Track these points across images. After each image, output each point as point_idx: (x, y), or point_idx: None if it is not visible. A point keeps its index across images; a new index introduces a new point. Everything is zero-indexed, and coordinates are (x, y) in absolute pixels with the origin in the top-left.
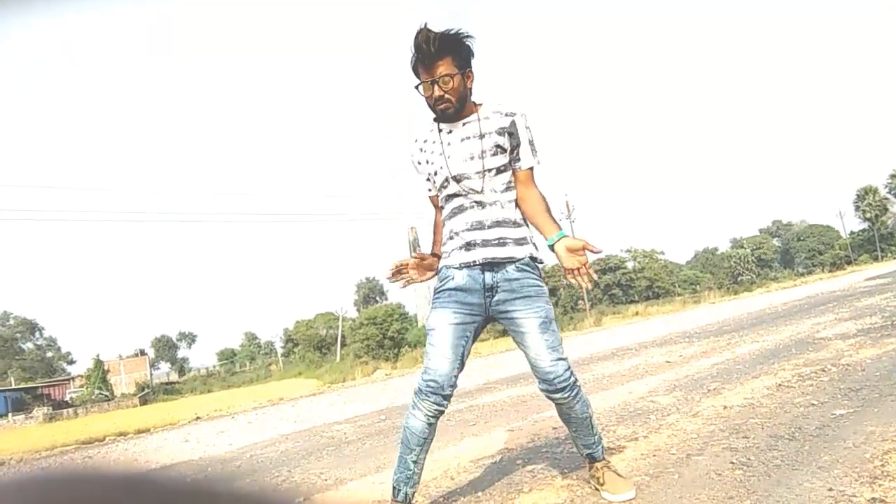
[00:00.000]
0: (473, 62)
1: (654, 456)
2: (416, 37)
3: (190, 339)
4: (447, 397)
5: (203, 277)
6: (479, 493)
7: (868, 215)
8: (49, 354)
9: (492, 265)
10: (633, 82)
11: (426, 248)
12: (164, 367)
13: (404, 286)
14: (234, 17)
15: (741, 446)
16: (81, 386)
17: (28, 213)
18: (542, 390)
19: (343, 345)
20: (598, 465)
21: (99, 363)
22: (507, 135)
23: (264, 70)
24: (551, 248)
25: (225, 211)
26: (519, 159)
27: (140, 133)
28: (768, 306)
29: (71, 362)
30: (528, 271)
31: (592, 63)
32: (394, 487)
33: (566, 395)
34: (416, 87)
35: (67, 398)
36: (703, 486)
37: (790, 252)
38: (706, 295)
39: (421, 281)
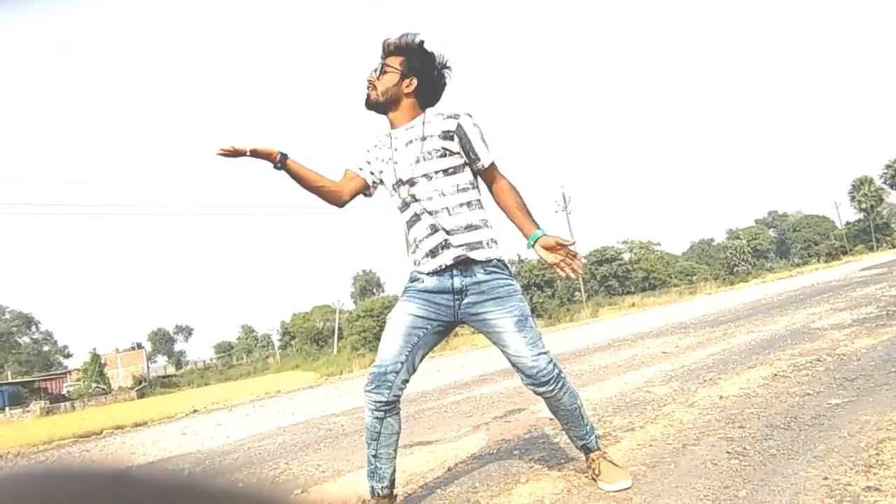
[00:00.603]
0: (425, 74)
1: (651, 446)
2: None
3: (187, 332)
4: (390, 387)
5: (200, 270)
6: (477, 484)
7: (863, 206)
8: (45, 348)
9: (460, 269)
10: (630, 74)
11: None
12: (161, 360)
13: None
14: (233, 8)
15: (737, 436)
16: (78, 380)
17: (24, 206)
18: (527, 386)
19: (340, 337)
20: (594, 455)
21: (95, 357)
22: (454, 138)
23: (263, 62)
24: (531, 247)
25: (221, 204)
26: (478, 159)
27: (136, 126)
28: (764, 297)
29: (67, 356)
30: (497, 272)
31: (588, 54)
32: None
33: (552, 388)
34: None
35: (64, 392)
36: (700, 476)
37: (786, 243)
38: (702, 286)
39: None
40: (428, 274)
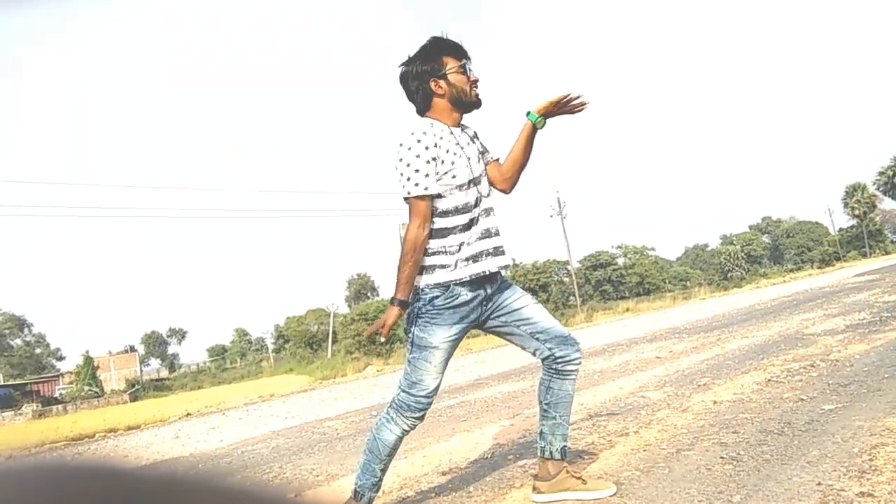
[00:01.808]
0: None
1: (645, 451)
2: (440, 38)
3: (180, 335)
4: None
5: (193, 273)
6: (471, 489)
7: (857, 212)
8: (38, 351)
9: (492, 276)
10: (624, 79)
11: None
12: (155, 363)
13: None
14: (225, 12)
15: (731, 441)
16: (71, 382)
17: (16, 208)
18: (560, 356)
19: (334, 341)
20: (568, 466)
21: (88, 359)
22: (478, 141)
23: (255, 67)
24: (535, 123)
25: (215, 207)
26: (487, 151)
27: (129, 128)
28: (758, 302)
29: (60, 359)
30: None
31: (582, 59)
32: (356, 491)
33: (580, 355)
34: (452, 73)
35: (57, 395)
36: (694, 481)
37: (779, 248)
38: (696, 291)
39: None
40: (468, 283)
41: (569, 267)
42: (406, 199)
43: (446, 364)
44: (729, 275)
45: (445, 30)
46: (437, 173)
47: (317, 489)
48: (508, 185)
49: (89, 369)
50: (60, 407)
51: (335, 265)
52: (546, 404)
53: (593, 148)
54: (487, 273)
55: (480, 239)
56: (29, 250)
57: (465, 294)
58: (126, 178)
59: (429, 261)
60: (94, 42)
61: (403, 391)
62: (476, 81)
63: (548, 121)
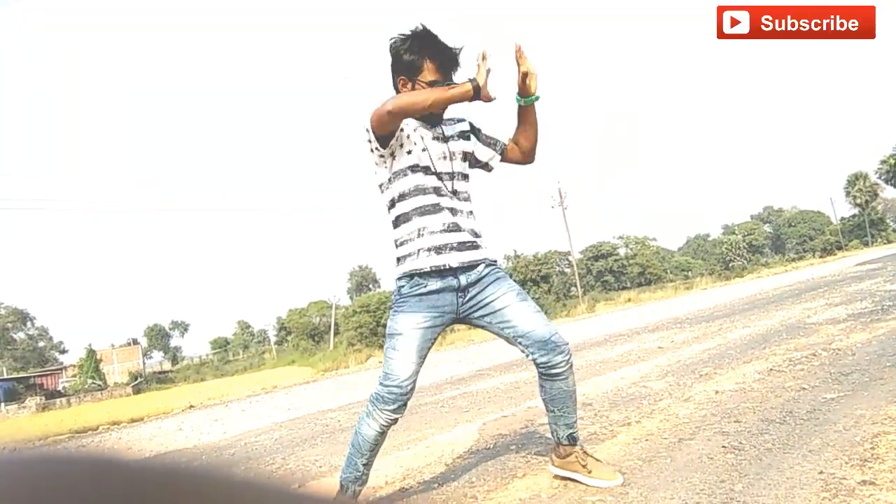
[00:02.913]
0: None
1: (647, 440)
2: (437, 38)
3: (182, 327)
4: (406, 404)
5: (196, 266)
6: (474, 479)
7: (858, 201)
8: (41, 344)
9: (465, 268)
10: (625, 70)
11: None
12: (157, 356)
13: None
14: (229, 10)
15: (733, 430)
16: (74, 375)
17: (19, 202)
18: (542, 362)
19: (336, 333)
20: (578, 450)
21: (91, 352)
22: (469, 137)
23: (258, 61)
24: (528, 102)
25: (217, 199)
26: (498, 140)
27: (132, 123)
28: (759, 292)
29: (63, 352)
30: (494, 265)
31: (584, 50)
32: (342, 484)
33: (567, 358)
34: (426, 83)
35: (60, 388)
36: (696, 470)
37: (781, 238)
38: (698, 281)
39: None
40: (429, 273)
41: (570, 258)
42: (368, 133)
43: (420, 356)
44: (730, 265)
45: (446, 28)
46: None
47: (320, 480)
48: (530, 157)
49: (92, 362)
50: (64, 400)
51: (337, 257)
52: (544, 400)
53: (595, 139)
54: (448, 267)
55: (446, 232)
56: (31, 244)
57: (432, 283)
58: (130, 172)
59: (397, 252)
60: (96, 37)
61: (379, 383)
62: None
63: (537, 89)
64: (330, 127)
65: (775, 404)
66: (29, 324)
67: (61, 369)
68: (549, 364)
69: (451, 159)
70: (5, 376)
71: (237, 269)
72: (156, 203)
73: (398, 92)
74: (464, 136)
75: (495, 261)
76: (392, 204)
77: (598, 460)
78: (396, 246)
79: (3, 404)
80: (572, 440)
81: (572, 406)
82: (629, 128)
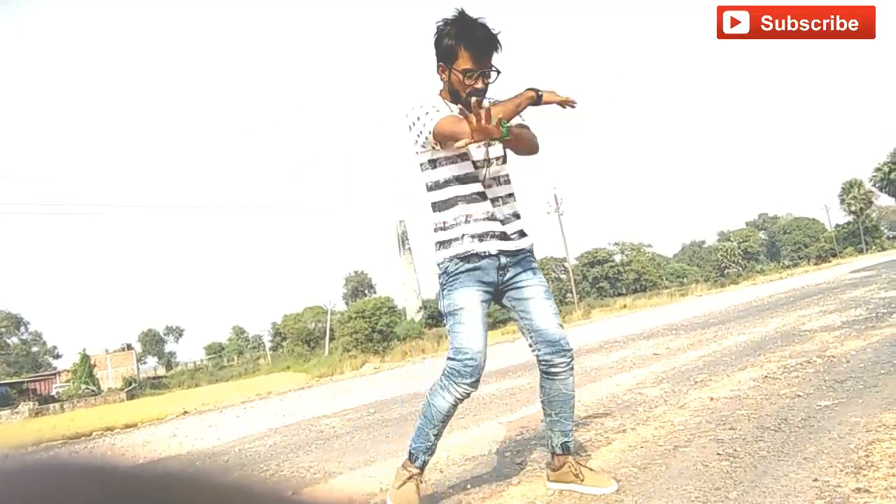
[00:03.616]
0: None
1: (642, 447)
2: (473, 24)
3: (177, 333)
4: (480, 377)
5: (190, 271)
6: (469, 486)
7: (853, 208)
8: (34, 349)
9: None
10: (621, 76)
11: (414, 239)
12: (151, 361)
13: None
14: (224, 9)
15: (728, 437)
16: (68, 381)
17: (12, 205)
18: (545, 359)
19: (331, 338)
20: (570, 460)
21: (85, 357)
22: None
23: (255, 64)
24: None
25: (212, 203)
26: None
27: (127, 127)
28: (754, 299)
29: (57, 357)
30: (531, 252)
31: (579, 55)
32: (411, 454)
33: (569, 361)
34: (458, 72)
35: (54, 393)
36: (691, 477)
37: (776, 245)
38: (693, 288)
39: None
40: (473, 255)
41: (566, 264)
42: (430, 135)
43: (483, 327)
44: (726, 271)
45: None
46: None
47: (314, 487)
48: (533, 152)
49: (86, 367)
50: (57, 405)
51: (333, 262)
52: (543, 402)
53: (591, 145)
54: (488, 254)
55: (488, 220)
56: (25, 248)
57: (477, 260)
58: (124, 176)
59: (442, 236)
60: (89, 37)
61: (450, 359)
62: (476, 90)
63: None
64: (326, 132)
65: (770, 411)
66: (22, 328)
67: (55, 374)
68: (551, 363)
69: (489, 144)
70: None
71: (232, 275)
72: (150, 207)
73: (439, 76)
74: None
75: (532, 246)
76: (433, 187)
77: (591, 469)
78: (437, 230)
79: None
80: (566, 449)
81: (569, 412)
82: (625, 134)
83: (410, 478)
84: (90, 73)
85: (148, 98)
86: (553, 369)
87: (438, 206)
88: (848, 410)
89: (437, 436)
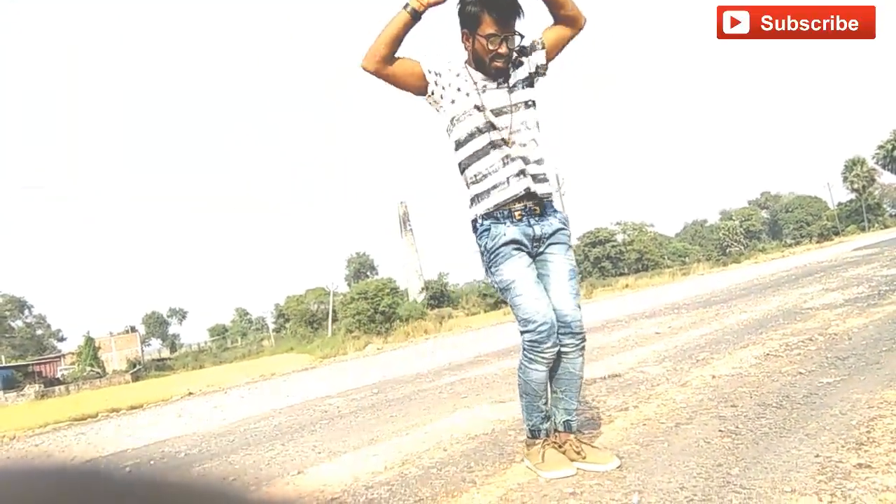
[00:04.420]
0: None
1: (644, 425)
2: None
3: (181, 315)
4: (558, 336)
5: (193, 253)
6: (472, 464)
7: (855, 186)
8: (39, 332)
9: (537, 216)
10: (623, 56)
11: (415, 220)
12: (156, 343)
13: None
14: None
15: (730, 415)
16: (72, 363)
17: (17, 189)
18: (559, 335)
19: (334, 320)
20: (572, 438)
21: (89, 340)
22: (530, 52)
23: (253, 51)
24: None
25: (215, 187)
26: (535, 44)
27: (130, 112)
28: (756, 277)
29: (61, 340)
30: (566, 227)
31: (580, 37)
32: (532, 432)
33: (579, 342)
34: (482, 37)
35: (59, 375)
36: (693, 454)
37: (778, 223)
38: (695, 267)
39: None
40: (506, 218)
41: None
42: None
43: (541, 291)
44: (728, 250)
45: None
46: (433, 78)
47: (319, 466)
48: (576, 23)
49: (91, 350)
50: (63, 388)
51: (335, 244)
52: (550, 379)
53: (592, 125)
54: (517, 195)
55: (506, 166)
56: (29, 232)
57: (512, 231)
58: (126, 162)
59: (475, 189)
60: (93, 33)
61: (524, 332)
62: (500, 56)
63: None
64: (327, 115)
65: (772, 389)
66: (27, 312)
67: (60, 357)
68: (561, 342)
69: (511, 111)
70: (4, 364)
71: (235, 257)
72: (154, 191)
73: (463, 45)
74: (526, 81)
75: (567, 221)
76: (459, 145)
77: (593, 446)
78: (469, 185)
79: (1, 392)
80: (568, 427)
81: (575, 391)
82: (628, 114)
83: (544, 445)
84: (103, 62)
85: (154, 87)
86: (563, 349)
87: (465, 163)
88: (849, 387)
89: (546, 403)
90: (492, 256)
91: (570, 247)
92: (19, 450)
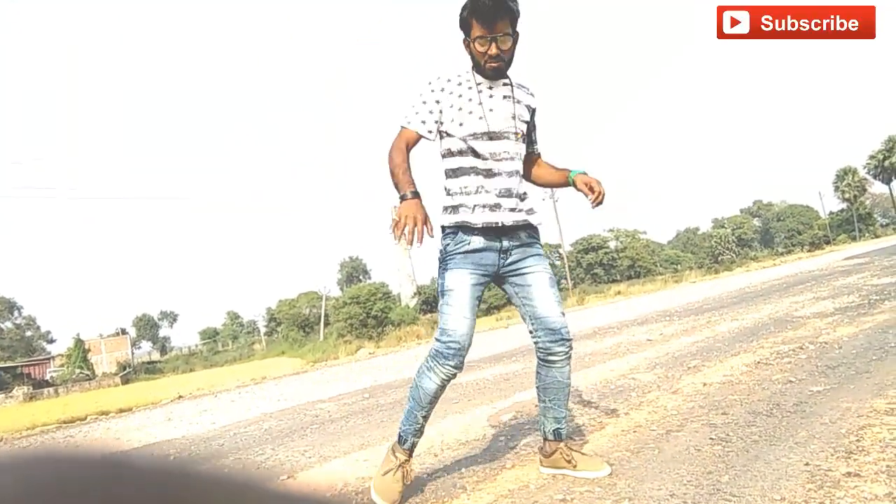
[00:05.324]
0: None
1: (635, 432)
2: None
3: (171, 318)
4: (464, 358)
5: (185, 256)
6: (463, 470)
7: (847, 196)
8: (28, 333)
9: (508, 230)
10: (616, 62)
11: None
12: (146, 346)
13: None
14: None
15: (720, 422)
16: (62, 365)
17: (6, 190)
18: (543, 347)
19: (326, 324)
20: (562, 446)
21: (79, 342)
22: (531, 113)
23: (246, 53)
24: (572, 182)
25: (207, 190)
26: (535, 142)
27: (122, 113)
28: (748, 285)
29: (51, 341)
30: (536, 238)
31: (574, 42)
32: (400, 436)
33: (567, 350)
34: (473, 41)
35: (48, 377)
36: (683, 462)
37: (770, 232)
38: (687, 274)
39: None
40: (478, 230)
41: (560, 250)
42: (400, 125)
43: (471, 311)
44: (720, 258)
45: None
46: (434, 117)
47: (309, 471)
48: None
49: (80, 352)
50: (52, 390)
51: (327, 248)
52: (538, 388)
53: (585, 131)
54: (500, 224)
55: (501, 196)
56: (19, 233)
57: (476, 241)
58: (117, 163)
59: (450, 201)
60: (91, 37)
61: (436, 339)
62: (492, 56)
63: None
64: (324, 118)
65: (762, 397)
66: (16, 313)
67: (49, 359)
68: (549, 351)
69: (511, 119)
70: None
71: (227, 260)
72: (146, 192)
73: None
74: (529, 110)
75: (537, 230)
76: (445, 155)
77: (583, 454)
78: (448, 194)
79: None
80: (557, 435)
81: (563, 400)
82: (621, 121)
83: (399, 466)
84: (95, 72)
85: (145, 88)
86: (551, 357)
87: (448, 174)
88: (839, 396)
89: (426, 417)
90: (446, 259)
91: (544, 255)
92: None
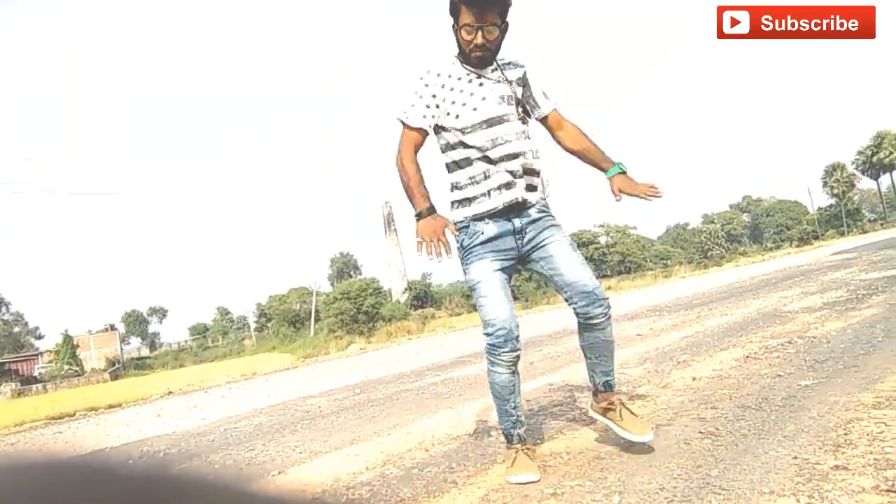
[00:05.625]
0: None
1: None
2: None
3: (161, 313)
4: (518, 339)
5: (174, 251)
6: (454, 464)
7: (836, 191)
8: (16, 329)
9: (517, 211)
10: (607, 60)
11: (400, 220)
12: (135, 342)
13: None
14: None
15: (710, 416)
16: (50, 361)
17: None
18: (582, 311)
19: (317, 319)
20: (616, 399)
21: (68, 338)
22: (522, 84)
23: (246, 53)
24: (609, 180)
25: (196, 184)
26: (538, 106)
27: (111, 109)
28: (737, 280)
29: (39, 337)
30: (547, 212)
31: (566, 40)
32: (506, 436)
33: (606, 311)
34: (460, 28)
35: (36, 373)
36: (673, 455)
37: (759, 227)
38: (677, 269)
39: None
40: (487, 218)
41: None
42: (398, 119)
43: (505, 294)
44: (709, 253)
45: None
46: (431, 112)
47: (299, 466)
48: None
49: (69, 348)
50: (40, 386)
51: (318, 244)
52: (582, 347)
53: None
54: (521, 200)
55: (512, 175)
56: (7, 228)
57: (489, 230)
58: (107, 156)
59: (459, 195)
60: (91, 37)
61: (484, 334)
62: (477, 45)
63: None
64: (317, 114)
65: (751, 391)
66: (4, 308)
67: (37, 355)
68: (589, 315)
69: (503, 103)
70: None
71: (217, 255)
72: (134, 188)
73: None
74: (519, 82)
75: (546, 204)
76: (445, 149)
77: (633, 413)
78: (451, 190)
79: None
80: (608, 387)
81: (609, 356)
82: (609, 117)
83: (517, 452)
84: (93, 72)
85: (135, 86)
86: (592, 321)
87: (451, 168)
88: (827, 390)
89: (516, 407)
90: (465, 255)
91: (558, 226)
92: None
